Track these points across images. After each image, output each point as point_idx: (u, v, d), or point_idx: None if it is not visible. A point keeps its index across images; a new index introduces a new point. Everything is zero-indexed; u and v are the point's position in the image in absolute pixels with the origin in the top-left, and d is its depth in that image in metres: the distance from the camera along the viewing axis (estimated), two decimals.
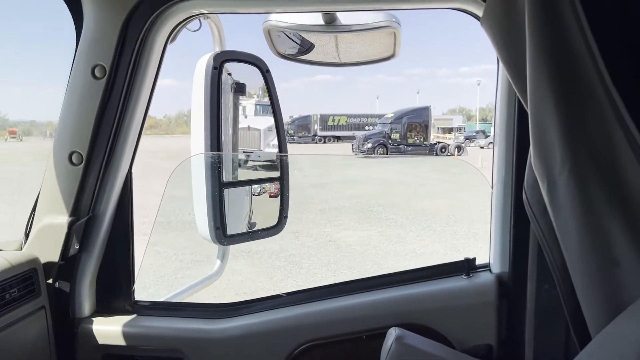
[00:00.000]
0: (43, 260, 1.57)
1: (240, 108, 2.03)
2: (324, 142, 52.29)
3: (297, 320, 1.67)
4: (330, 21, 1.62)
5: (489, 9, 1.10)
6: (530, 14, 0.94)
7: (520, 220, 1.55)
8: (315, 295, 1.75)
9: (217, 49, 2.00)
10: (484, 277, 1.67)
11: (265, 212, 2.05)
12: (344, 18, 1.64)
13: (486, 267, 1.71)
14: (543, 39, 0.92)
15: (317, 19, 1.64)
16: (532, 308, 1.55)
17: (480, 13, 1.41)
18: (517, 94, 1.07)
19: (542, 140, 0.94)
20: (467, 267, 1.68)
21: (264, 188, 2.20)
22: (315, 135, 53.31)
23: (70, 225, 1.56)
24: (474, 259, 1.71)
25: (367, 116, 54.74)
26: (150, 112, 1.68)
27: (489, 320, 1.61)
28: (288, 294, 1.83)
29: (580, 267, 0.93)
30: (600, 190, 0.87)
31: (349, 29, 1.63)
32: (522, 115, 1.48)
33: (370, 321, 1.65)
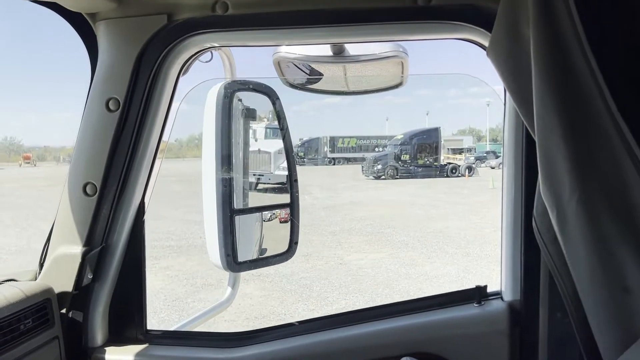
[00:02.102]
0: (57, 290, 1.59)
1: (251, 131, 2.06)
2: (334, 164, 52.39)
3: (309, 349, 1.67)
4: (339, 52, 1.65)
5: (495, 39, 1.12)
6: (535, 45, 0.95)
7: (530, 248, 1.54)
8: (326, 324, 1.74)
9: (228, 79, 2.04)
10: (496, 305, 1.66)
11: (276, 237, 2.05)
12: (352, 48, 1.68)
13: (498, 294, 1.70)
14: (548, 69, 0.93)
15: (325, 50, 1.67)
16: (545, 337, 1.53)
17: (486, 43, 1.44)
18: (525, 122, 1.07)
19: (550, 169, 0.95)
20: (478, 294, 1.67)
21: (274, 214, 2.21)
22: (325, 157, 53.46)
23: (84, 255, 1.58)
24: (485, 287, 1.70)
25: (376, 138, 54.86)
26: None
27: (502, 349, 1.59)
28: (299, 322, 1.82)
29: (592, 295, 0.92)
30: (610, 218, 0.87)
31: (357, 60, 1.67)
32: (530, 143, 1.49)
33: (381, 350, 1.64)
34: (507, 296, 1.66)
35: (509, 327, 1.60)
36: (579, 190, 0.89)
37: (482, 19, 1.42)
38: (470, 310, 1.66)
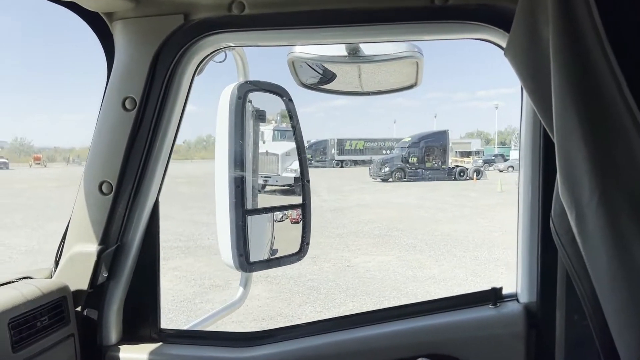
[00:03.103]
0: (72, 288, 1.59)
1: (259, 133, 2.06)
2: (341, 166, 52.44)
3: (321, 350, 1.66)
4: (354, 52, 1.65)
5: (513, 39, 1.11)
6: (555, 45, 0.95)
7: (548, 249, 1.52)
8: (339, 324, 1.73)
9: (241, 79, 2.04)
10: (512, 307, 1.64)
11: (287, 238, 2.06)
12: (366, 48, 1.67)
13: (513, 296, 1.68)
14: (568, 69, 0.93)
15: (340, 49, 1.67)
16: (562, 339, 1.51)
17: (503, 43, 1.43)
18: (543, 123, 1.07)
19: (569, 170, 0.94)
20: (494, 296, 1.66)
21: (285, 214, 2.21)
22: (332, 159, 53.54)
23: (100, 254, 1.59)
24: (501, 288, 1.68)
25: (384, 140, 54.93)
26: None
27: (517, 352, 1.58)
28: (311, 323, 1.82)
29: (612, 299, 0.91)
30: (631, 220, 0.86)
31: (371, 60, 1.66)
32: (547, 144, 1.48)
33: (395, 351, 1.63)
34: (523, 298, 1.64)
35: (525, 329, 1.58)
36: (599, 191, 0.88)
37: (499, 19, 1.41)
38: (486, 312, 1.65)
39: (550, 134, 1.01)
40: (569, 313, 1.49)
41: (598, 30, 0.91)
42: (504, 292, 1.69)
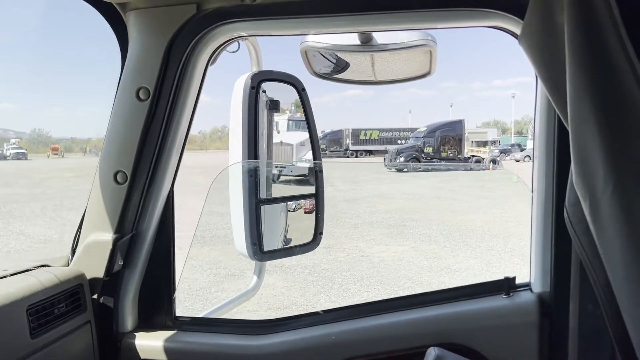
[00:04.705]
0: (89, 276, 1.63)
1: (273, 123, 2.07)
2: (356, 157, 52.32)
3: (334, 338, 1.67)
4: (366, 41, 1.64)
5: (527, 27, 1.10)
6: (570, 32, 0.93)
7: (561, 239, 1.51)
8: (352, 313, 1.74)
9: (255, 69, 2.05)
10: (525, 297, 1.64)
11: (301, 228, 2.07)
12: (379, 37, 1.66)
13: (527, 286, 1.68)
14: (584, 57, 0.91)
15: (353, 38, 1.66)
16: (576, 329, 1.50)
17: (517, 31, 1.41)
18: (557, 111, 1.05)
19: (584, 159, 0.93)
20: (507, 286, 1.65)
21: (299, 204, 2.22)
22: (347, 149, 53.42)
23: (115, 242, 1.61)
24: (514, 278, 1.68)
25: (399, 130, 54.59)
26: None
27: (531, 341, 1.57)
28: (326, 311, 1.83)
29: (626, 289, 0.90)
30: None
31: (385, 48, 1.65)
32: (562, 132, 1.46)
33: (409, 340, 1.63)
34: (537, 288, 1.63)
35: (538, 318, 1.57)
36: (613, 180, 0.87)
37: (514, 6, 1.39)
38: (499, 301, 1.65)
39: (564, 123, 0.99)
40: (582, 302, 1.48)
41: (614, 17, 0.89)
42: (518, 282, 1.68)
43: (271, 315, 7.12)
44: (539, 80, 1.33)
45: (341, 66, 1.87)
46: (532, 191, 1.63)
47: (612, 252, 0.91)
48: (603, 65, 0.89)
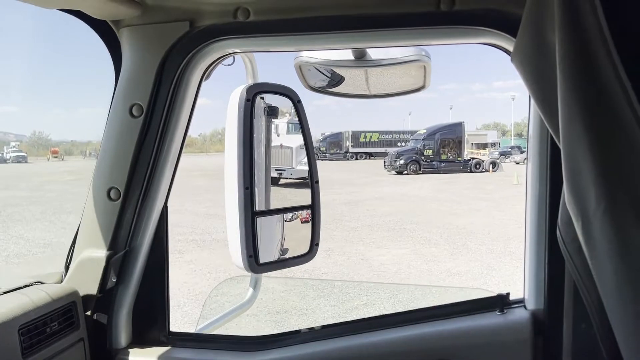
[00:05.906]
0: (82, 292, 1.62)
1: (273, 126, 2.07)
2: (356, 159, 52.35)
3: (330, 354, 1.67)
4: (360, 56, 1.64)
5: (519, 45, 1.09)
6: (561, 52, 0.93)
7: (554, 256, 1.51)
8: (347, 329, 1.74)
9: (250, 82, 2.04)
10: (519, 314, 1.63)
11: (297, 238, 2.06)
12: (373, 53, 1.66)
13: (521, 302, 1.67)
14: (575, 77, 0.91)
15: (347, 54, 1.66)
16: (569, 347, 1.50)
17: (510, 48, 1.41)
18: (549, 130, 1.05)
19: (575, 178, 0.92)
20: (501, 303, 1.65)
21: (295, 214, 2.21)
22: (347, 152, 53.47)
23: (109, 259, 1.61)
24: (508, 295, 1.67)
25: (399, 132, 54.65)
26: None
27: (524, 359, 1.57)
28: (321, 327, 1.82)
29: (618, 310, 0.90)
30: (637, 231, 0.84)
31: (378, 64, 1.65)
32: (554, 151, 1.46)
33: (403, 357, 1.63)
34: (531, 305, 1.63)
35: (532, 336, 1.57)
36: (605, 200, 0.87)
37: (506, 24, 1.39)
38: (493, 318, 1.64)
39: (557, 142, 0.99)
40: (576, 321, 1.47)
41: (605, 37, 0.88)
42: (511, 298, 1.68)
43: (270, 319, 7.12)
44: (532, 99, 1.33)
45: (336, 80, 1.87)
46: (526, 209, 1.62)
47: (604, 273, 0.90)
48: (594, 85, 0.89)
